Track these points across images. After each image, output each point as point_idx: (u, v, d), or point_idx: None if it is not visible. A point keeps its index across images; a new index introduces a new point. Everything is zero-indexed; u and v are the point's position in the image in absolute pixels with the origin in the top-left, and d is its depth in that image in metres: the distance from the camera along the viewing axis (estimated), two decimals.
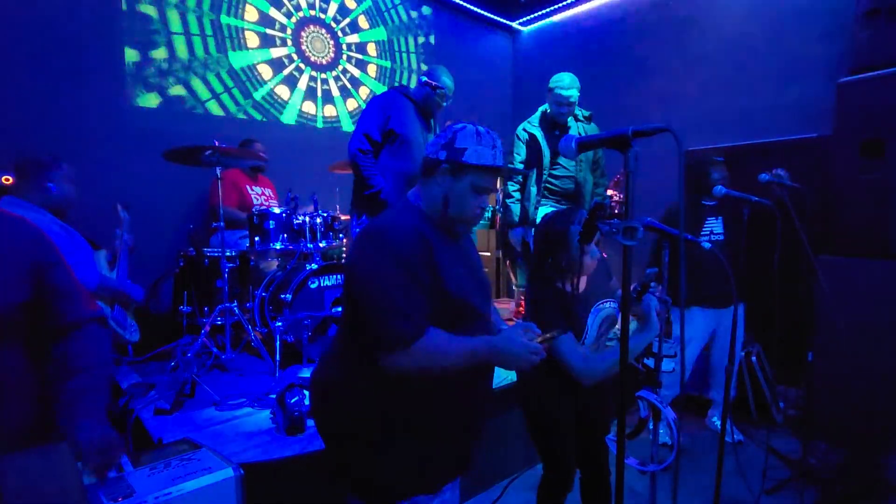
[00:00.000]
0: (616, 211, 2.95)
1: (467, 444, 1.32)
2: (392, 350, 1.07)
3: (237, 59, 4.05)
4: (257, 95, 4.18)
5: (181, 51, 3.76)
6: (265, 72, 4.21)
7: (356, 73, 4.83)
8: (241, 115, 4.09)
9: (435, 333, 1.10)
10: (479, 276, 1.35)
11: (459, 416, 1.26)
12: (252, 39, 4.13)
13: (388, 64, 5.08)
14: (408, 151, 2.65)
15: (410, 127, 2.65)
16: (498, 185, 3.66)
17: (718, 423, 3.04)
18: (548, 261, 1.63)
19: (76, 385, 1.06)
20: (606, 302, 1.71)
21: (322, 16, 4.58)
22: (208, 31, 3.90)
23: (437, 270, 1.13)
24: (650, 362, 1.59)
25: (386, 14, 5.06)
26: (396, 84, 5.07)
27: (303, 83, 4.47)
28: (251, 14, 4.12)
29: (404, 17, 5.20)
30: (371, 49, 4.95)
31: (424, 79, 2.79)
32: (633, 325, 1.52)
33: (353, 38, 4.82)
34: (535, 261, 1.70)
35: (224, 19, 3.97)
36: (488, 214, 3.76)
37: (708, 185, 2.74)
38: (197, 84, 3.85)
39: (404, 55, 5.21)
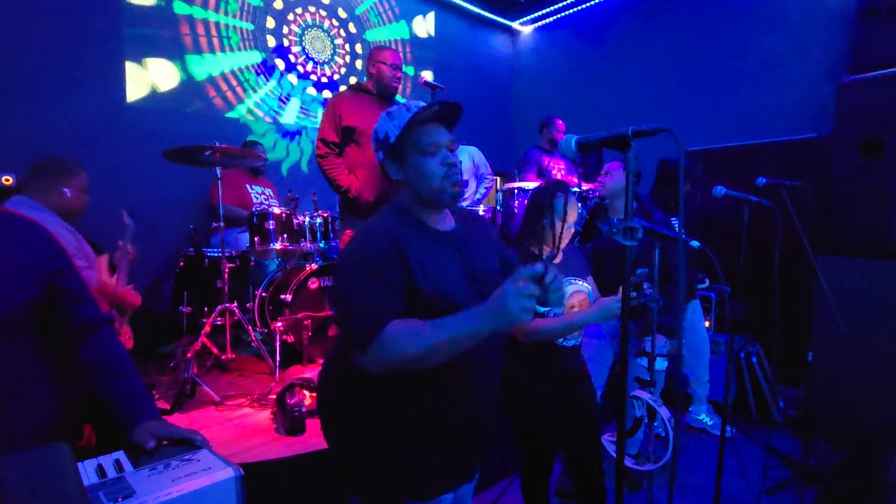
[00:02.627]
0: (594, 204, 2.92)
1: (463, 451, 1.24)
2: (359, 348, 1.03)
3: (238, 59, 4.05)
4: (257, 95, 4.18)
5: (182, 50, 3.76)
6: (267, 71, 4.22)
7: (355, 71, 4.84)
8: (240, 115, 4.09)
9: (399, 322, 1.04)
10: (478, 273, 1.21)
11: (453, 420, 1.18)
12: (251, 40, 4.14)
13: None
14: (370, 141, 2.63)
15: (367, 117, 2.61)
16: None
17: (705, 419, 3.02)
18: (528, 226, 1.77)
19: (128, 388, 1.13)
20: (580, 280, 1.80)
21: (323, 19, 4.59)
22: (211, 32, 3.90)
23: (409, 269, 1.09)
24: (643, 361, 1.60)
25: (385, 14, 5.06)
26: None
27: (303, 84, 4.47)
28: (254, 15, 4.13)
29: (405, 17, 5.21)
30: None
31: (365, 65, 2.79)
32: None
33: (350, 39, 4.82)
34: (520, 226, 1.85)
35: (225, 19, 3.97)
36: (480, 197, 3.67)
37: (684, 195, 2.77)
38: (198, 84, 3.85)
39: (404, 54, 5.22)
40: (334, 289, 1.20)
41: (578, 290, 1.76)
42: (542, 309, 1.51)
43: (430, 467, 1.16)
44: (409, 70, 5.24)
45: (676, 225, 2.85)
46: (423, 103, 1.18)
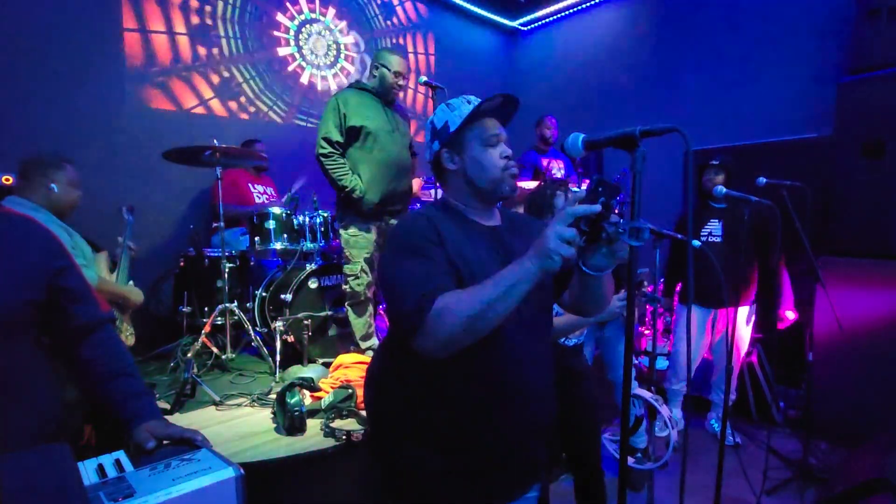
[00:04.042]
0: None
1: (512, 468, 1.15)
2: (412, 328, 0.98)
3: (238, 59, 4.05)
4: (258, 95, 4.18)
5: (183, 50, 3.76)
6: (266, 71, 4.21)
7: (353, 71, 4.84)
8: (241, 115, 4.08)
9: (447, 293, 0.99)
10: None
11: (502, 434, 1.11)
12: (252, 40, 4.13)
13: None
14: (375, 142, 2.64)
15: (371, 117, 2.63)
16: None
17: (717, 425, 3.03)
18: None
19: (129, 387, 1.13)
20: None
21: (322, 18, 4.58)
22: (210, 32, 3.89)
23: (445, 247, 1.07)
24: (644, 361, 1.60)
25: (386, 14, 5.05)
26: None
27: (303, 83, 4.47)
28: (252, 15, 4.13)
29: (405, 17, 5.20)
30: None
31: (370, 63, 2.79)
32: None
33: (350, 38, 4.81)
34: None
35: (226, 19, 3.97)
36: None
37: (704, 187, 2.78)
38: (198, 83, 3.85)
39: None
40: (381, 288, 1.20)
41: None
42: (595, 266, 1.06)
43: (474, 484, 1.12)
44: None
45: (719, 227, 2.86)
46: (472, 97, 1.19)
